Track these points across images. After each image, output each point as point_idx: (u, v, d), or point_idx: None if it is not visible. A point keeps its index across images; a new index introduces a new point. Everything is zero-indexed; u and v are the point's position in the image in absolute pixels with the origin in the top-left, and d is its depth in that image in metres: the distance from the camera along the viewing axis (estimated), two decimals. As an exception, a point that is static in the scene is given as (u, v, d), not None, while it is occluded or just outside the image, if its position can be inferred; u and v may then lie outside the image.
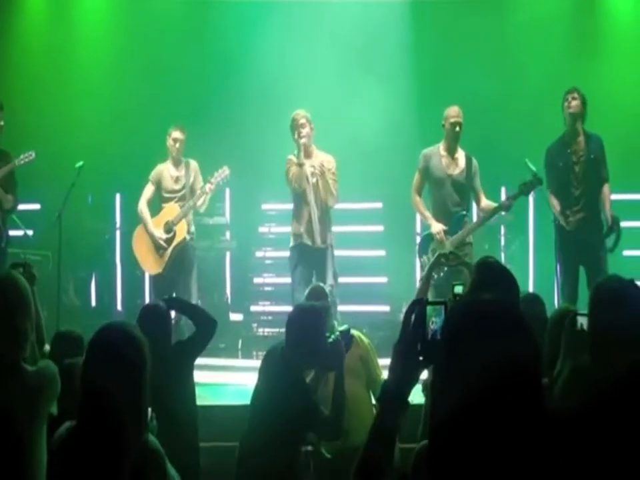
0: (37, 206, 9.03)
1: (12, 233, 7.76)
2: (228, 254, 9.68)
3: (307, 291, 5.62)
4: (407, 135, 8.72)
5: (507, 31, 9.31)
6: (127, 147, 9.05)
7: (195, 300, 7.59)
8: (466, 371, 1.65)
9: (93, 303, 9.62)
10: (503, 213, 7.24)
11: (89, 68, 9.63)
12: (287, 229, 8.22)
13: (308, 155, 7.29)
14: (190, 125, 9.14)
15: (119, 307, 9.58)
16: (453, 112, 7.06)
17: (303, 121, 7.23)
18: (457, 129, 7.03)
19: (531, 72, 9.11)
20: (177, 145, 7.92)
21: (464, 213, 7.09)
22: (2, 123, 7.46)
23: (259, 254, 9.51)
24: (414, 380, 1.96)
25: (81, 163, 7.85)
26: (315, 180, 7.22)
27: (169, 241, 7.80)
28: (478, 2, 9.57)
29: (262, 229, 9.61)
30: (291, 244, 7.40)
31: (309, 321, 4.40)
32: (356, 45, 9.11)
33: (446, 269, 6.88)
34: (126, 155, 9.01)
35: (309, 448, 4.81)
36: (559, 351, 3.46)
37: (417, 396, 6.16)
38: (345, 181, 7.69)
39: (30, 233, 8.72)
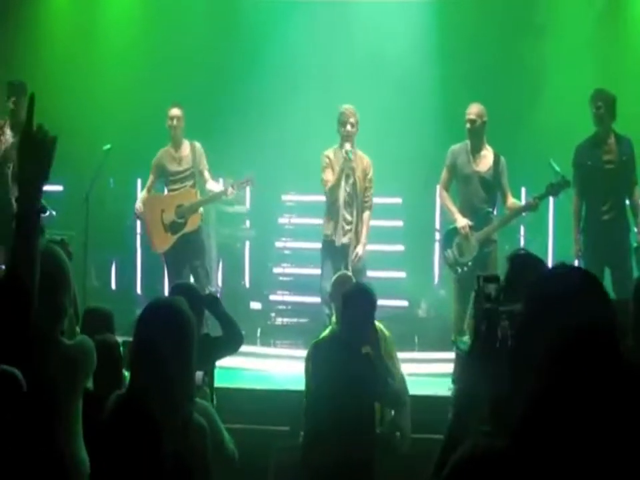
0: (59, 187, 9.11)
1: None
2: (247, 243, 9.76)
3: (333, 279, 5.71)
4: (427, 130, 8.74)
5: (532, 31, 9.31)
6: (149, 132, 9.09)
7: (204, 284, 7.53)
8: (547, 334, 1.67)
9: (113, 286, 9.73)
10: (524, 214, 7.26)
11: (116, 53, 9.67)
12: (306, 220, 8.31)
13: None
14: (213, 114, 9.25)
15: (139, 291, 9.66)
16: (469, 109, 7.10)
17: (352, 119, 7.18)
18: (468, 125, 7.05)
19: (556, 72, 9.12)
20: (175, 123, 7.70)
21: (490, 209, 7.11)
22: (20, 107, 7.37)
23: (278, 244, 9.57)
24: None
25: (108, 146, 7.93)
26: (348, 189, 7.24)
27: (179, 226, 7.64)
28: (501, 3, 9.57)
29: (281, 220, 9.66)
30: (322, 239, 7.44)
31: (365, 300, 4.72)
32: (381, 41, 9.13)
33: (470, 263, 6.96)
34: (148, 140, 9.07)
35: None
36: None
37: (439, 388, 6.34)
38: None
39: (54, 213, 8.81)
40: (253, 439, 5.31)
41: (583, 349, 1.65)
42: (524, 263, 3.36)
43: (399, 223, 9.65)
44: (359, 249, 7.20)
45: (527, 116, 8.98)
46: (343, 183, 7.21)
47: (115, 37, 9.76)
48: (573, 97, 7.95)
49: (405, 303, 9.22)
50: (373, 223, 9.13)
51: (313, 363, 4.79)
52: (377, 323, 5.09)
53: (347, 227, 7.28)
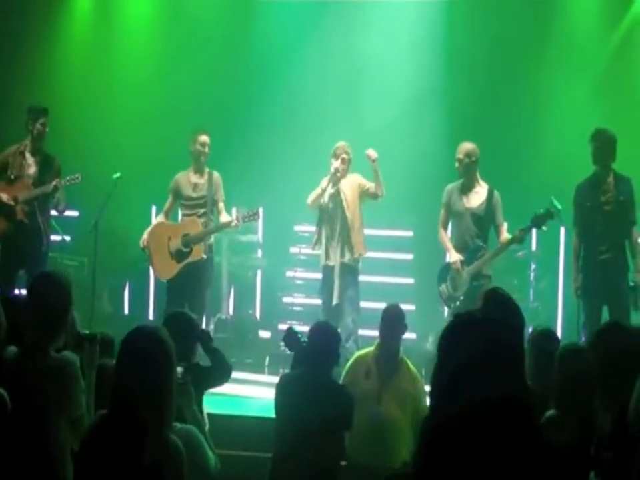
0: (75, 213, 9.23)
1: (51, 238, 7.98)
2: (259, 272, 9.84)
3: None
4: (439, 164, 8.82)
5: (543, 63, 9.40)
6: (164, 159, 9.21)
7: (203, 315, 7.61)
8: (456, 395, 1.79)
9: (126, 311, 9.82)
10: (509, 248, 7.35)
11: (130, 81, 9.88)
12: (318, 251, 8.37)
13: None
14: (226, 143, 9.36)
15: (151, 316, 9.74)
16: (458, 148, 7.32)
17: (344, 156, 7.54)
18: (457, 164, 7.27)
19: (560, 109, 9.20)
20: (207, 150, 7.77)
21: (481, 244, 7.23)
22: (47, 129, 7.66)
23: (289, 274, 9.64)
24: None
25: (118, 174, 8.01)
26: (330, 198, 7.54)
27: (184, 255, 7.63)
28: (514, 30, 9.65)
29: (293, 250, 9.74)
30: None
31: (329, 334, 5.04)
32: (389, 73, 9.28)
33: (462, 297, 7.06)
34: (163, 167, 9.19)
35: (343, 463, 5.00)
36: (568, 385, 3.58)
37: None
38: (376, 208, 7.88)
39: (67, 239, 8.95)
40: (262, 466, 5.36)
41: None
42: (495, 299, 3.44)
43: (409, 256, 9.72)
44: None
45: (530, 153, 9.08)
46: (327, 197, 7.53)
47: (129, 66, 9.97)
48: (578, 132, 8.01)
49: (413, 336, 9.24)
50: (384, 255, 9.27)
51: (281, 394, 4.99)
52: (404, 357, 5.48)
53: (329, 248, 7.57)
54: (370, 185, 7.56)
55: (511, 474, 1.74)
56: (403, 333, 5.58)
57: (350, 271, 7.55)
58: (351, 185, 7.61)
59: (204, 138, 7.77)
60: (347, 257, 7.53)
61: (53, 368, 3.45)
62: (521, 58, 9.48)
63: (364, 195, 7.62)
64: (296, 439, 4.66)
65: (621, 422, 2.72)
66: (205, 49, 9.80)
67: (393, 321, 5.50)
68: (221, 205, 7.84)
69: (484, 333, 1.85)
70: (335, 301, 7.42)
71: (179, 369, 3.59)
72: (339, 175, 7.53)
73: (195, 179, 7.83)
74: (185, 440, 3.00)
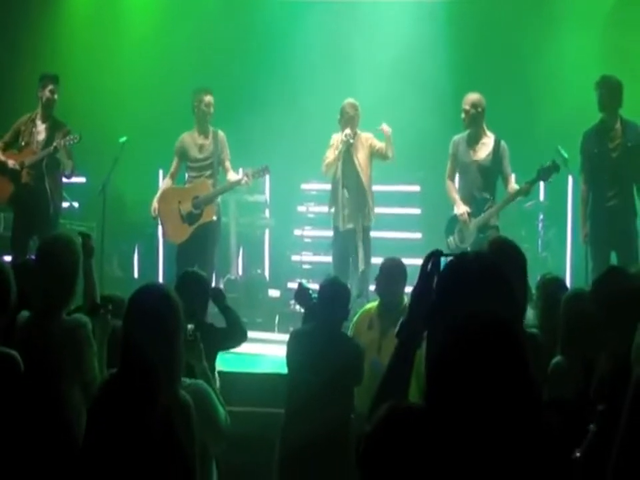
0: (82, 179, 9.24)
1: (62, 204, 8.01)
2: (267, 231, 9.87)
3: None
4: (444, 117, 8.79)
5: (543, 20, 9.32)
6: (170, 122, 9.19)
7: (212, 275, 7.62)
8: (450, 322, 1.84)
9: (136, 275, 9.88)
10: (516, 200, 7.34)
11: (135, 45, 9.84)
12: (325, 208, 8.40)
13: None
14: (233, 102, 9.34)
15: (161, 279, 9.78)
16: (464, 99, 7.29)
17: (351, 110, 7.55)
18: (463, 115, 7.26)
19: (566, 56, 9.14)
20: (211, 110, 7.72)
21: (487, 196, 7.22)
22: (56, 96, 7.69)
23: (297, 232, 9.67)
24: (428, 318, 2.14)
25: (124, 139, 8.03)
26: (344, 164, 7.53)
27: (195, 217, 7.66)
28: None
29: (301, 208, 9.76)
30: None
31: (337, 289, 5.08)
32: (396, 36, 9.21)
33: (469, 249, 7.07)
34: (169, 130, 9.18)
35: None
36: (574, 330, 3.61)
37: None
38: (384, 163, 7.87)
39: (76, 204, 8.98)
40: (271, 421, 5.44)
41: (480, 343, 1.80)
42: (501, 248, 3.45)
43: (417, 211, 9.73)
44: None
45: (537, 102, 9.02)
46: (340, 164, 7.49)
47: (134, 30, 9.92)
48: (583, 79, 7.96)
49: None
50: (391, 210, 9.29)
51: (291, 350, 5.04)
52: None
53: (346, 212, 7.55)
54: (381, 146, 7.57)
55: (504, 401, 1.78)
56: (403, 286, 5.57)
57: (366, 234, 7.64)
58: (362, 146, 7.62)
59: (208, 98, 7.73)
60: (365, 221, 7.60)
61: (65, 331, 3.48)
62: (527, 6, 9.38)
63: (375, 154, 7.63)
64: (308, 393, 4.71)
65: (621, 367, 2.75)
66: (209, 9, 9.74)
67: (388, 274, 5.53)
68: (228, 163, 7.82)
69: (476, 265, 1.90)
70: (361, 267, 7.45)
71: (190, 326, 3.64)
72: (351, 141, 7.52)
73: (200, 139, 7.79)
74: (194, 395, 3.05)
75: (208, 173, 7.76)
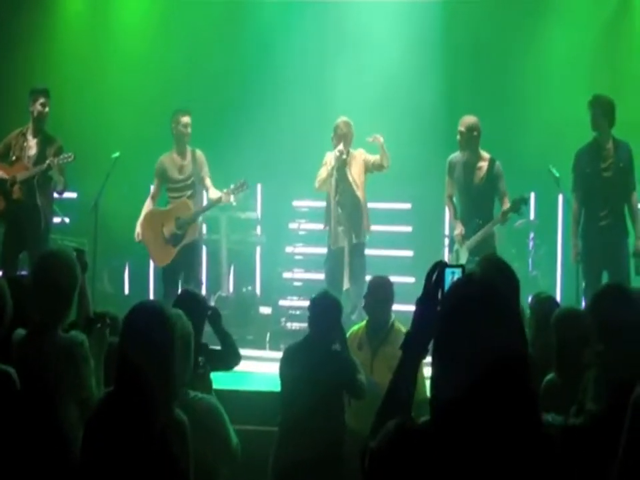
0: (73, 194, 9.22)
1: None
2: (258, 248, 9.86)
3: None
4: (437, 135, 8.82)
5: (538, 31, 9.37)
6: (162, 138, 9.20)
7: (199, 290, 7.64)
8: (455, 352, 1.86)
9: (127, 291, 9.85)
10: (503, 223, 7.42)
11: (126, 60, 9.84)
12: (317, 225, 8.44)
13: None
14: (224, 120, 9.36)
15: (151, 296, 9.75)
16: (460, 121, 7.36)
17: (344, 128, 7.57)
18: (458, 137, 7.31)
19: (559, 74, 9.19)
20: (189, 130, 7.77)
21: (479, 221, 7.29)
22: (47, 110, 7.67)
23: (288, 249, 9.67)
24: (432, 329, 2.13)
25: (116, 154, 8.04)
26: (338, 181, 7.54)
27: (179, 238, 7.71)
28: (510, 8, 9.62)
29: (292, 225, 9.77)
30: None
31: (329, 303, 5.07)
32: (387, 47, 9.24)
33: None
34: (161, 146, 9.18)
35: None
36: (566, 348, 3.62)
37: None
38: (375, 180, 7.90)
39: (67, 220, 8.96)
40: (262, 439, 5.41)
41: (493, 374, 1.84)
42: (495, 267, 3.46)
43: (408, 229, 9.74)
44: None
45: (533, 121, 9.06)
46: (334, 181, 7.51)
47: (126, 44, 9.91)
48: (575, 98, 8.00)
49: (412, 308, 9.26)
50: (382, 228, 9.29)
51: (285, 366, 5.05)
52: (399, 325, 5.48)
53: (340, 229, 7.60)
54: (375, 158, 7.58)
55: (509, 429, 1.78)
56: (390, 304, 5.60)
57: (359, 251, 7.66)
58: (356, 162, 7.64)
59: (186, 119, 7.78)
60: (358, 238, 7.63)
61: (62, 348, 3.45)
62: (516, 20, 9.43)
63: (370, 168, 7.66)
64: (303, 409, 4.72)
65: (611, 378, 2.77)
66: (200, 26, 9.76)
67: (376, 292, 5.56)
68: (208, 181, 7.86)
69: (481, 290, 1.91)
70: (345, 286, 7.47)
71: (200, 359, 3.63)
72: (344, 157, 7.54)
73: (179, 160, 7.85)
74: (207, 411, 3.02)
75: (189, 192, 7.82)
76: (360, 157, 7.65)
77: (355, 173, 7.62)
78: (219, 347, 4.99)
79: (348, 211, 7.62)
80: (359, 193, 7.62)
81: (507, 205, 7.26)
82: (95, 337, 3.66)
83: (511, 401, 1.80)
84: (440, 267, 2.21)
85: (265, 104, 9.42)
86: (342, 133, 7.57)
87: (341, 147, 7.51)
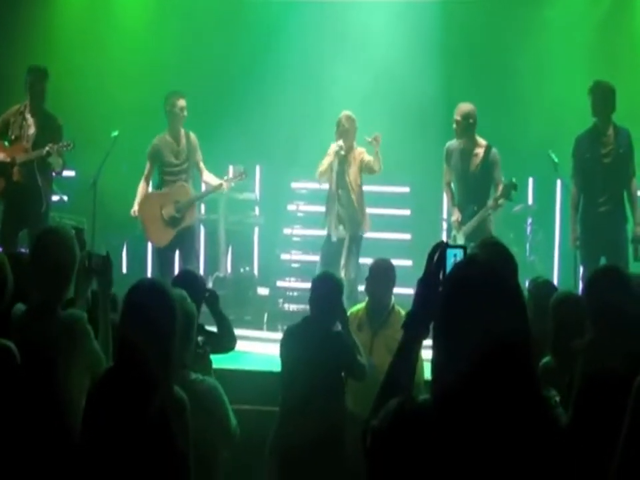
0: (72, 173, 9.21)
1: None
2: (256, 229, 9.88)
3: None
4: (435, 120, 8.82)
5: (536, 26, 9.36)
6: (162, 118, 9.17)
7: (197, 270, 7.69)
8: (457, 335, 1.87)
9: (124, 270, 9.86)
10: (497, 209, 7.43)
11: (127, 40, 9.81)
12: (315, 207, 8.46)
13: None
14: (223, 101, 9.34)
15: (149, 274, 9.77)
16: (456, 109, 7.36)
17: (346, 122, 7.60)
18: (454, 125, 7.33)
19: (558, 60, 9.18)
20: (185, 113, 7.74)
21: (474, 208, 7.31)
22: (45, 88, 7.58)
23: (286, 231, 9.68)
24: (434, 309, 2.13)
25: (116, 133, 8.02)
26: (337, 179, 7.64)
27: (178, 221, 7.75)
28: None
29: (290, 207, 9.77)
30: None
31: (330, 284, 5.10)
32: (385, 37, 9.23)
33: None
34: (161, 126, 9.18)
35: None
36: (563, 332, 3.64)
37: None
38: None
39: (65, 198, 8.95)
40: (259, 419, 5.45)
41: (495, 353, 1.85)
42: (494, 249, 3.47)
43: (407, 212, 9.76)
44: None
45: (532, 106, 9.05)
46: (334, 176, 7.61)
47: (126, 23, 9.89)
48: (575, 84, 8.00)
49: (411, 291, 9.27)
50: (381, 211, 9.31)
51: (285, 347, 5.06)
52: (399, 308, 5.49)
53: (340, 227, 7.72)
54: (369, 159, 7.61)
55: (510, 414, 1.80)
56: (392, 286, 5.62)
57: (355, 242, 7.73)
58: (354, 161, 7.69)
59: (182, 102, 7.74)
60: (354, 232, 7.72)
61: (62, 324, 3.45)
62: (516, 12, 9.41)
63: (363, 169, 7.72)
64: (304, 390, 4.74)
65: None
66: (201, 7, 9.73)
67: (378, 275, 5.57)
68: (201, 164, 7.90)
69: (484, 271, 1.92)
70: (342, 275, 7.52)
71: (199, 338, 3.64)
72: (342, 153, 7.60)
73: (174, 144, 7.81)
74: (207, 391, 3.04)
75: (184, 177, 7.84)
76: (359, 155, 7.70)
77: (352, 174, 7.69)
78: (214, 328, 5.01)
79: (347, 211, 7.72)
80: (354, 195, 7.70)
81: (499, 192, 7.26)
82: (99, 282, 3.69)
83: (513, 382, 1.82)
84: (442, 247, 2.21)
85: (265, 85, 9.41)
86: (343, 129, 7.62)
87: (340, 142, 7.57)
